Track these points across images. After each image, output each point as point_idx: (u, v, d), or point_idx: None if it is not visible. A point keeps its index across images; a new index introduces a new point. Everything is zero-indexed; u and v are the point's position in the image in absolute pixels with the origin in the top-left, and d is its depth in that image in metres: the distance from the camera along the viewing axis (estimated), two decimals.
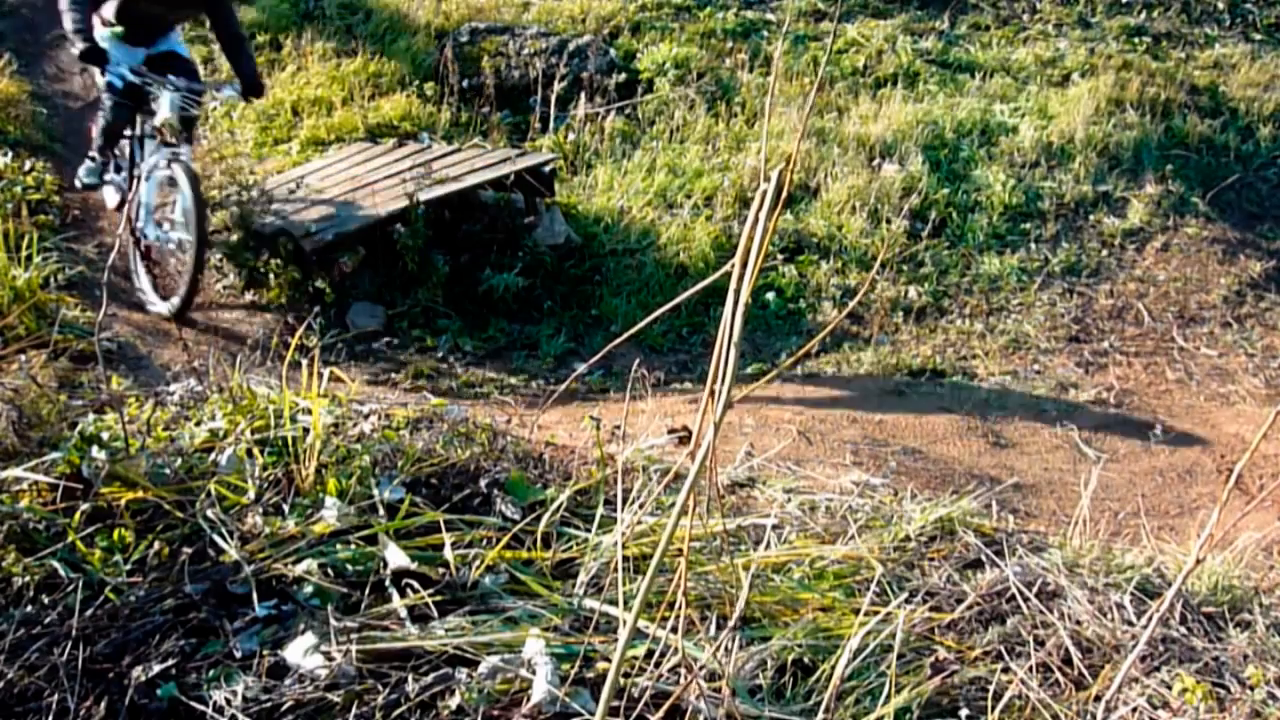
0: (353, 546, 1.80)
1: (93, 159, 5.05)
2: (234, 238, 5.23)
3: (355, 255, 5.07)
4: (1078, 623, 1.90)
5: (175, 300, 4.56)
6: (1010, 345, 5.08)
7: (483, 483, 2.11)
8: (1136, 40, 7.25)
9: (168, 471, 1.93)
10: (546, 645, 1.56)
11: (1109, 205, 5.99)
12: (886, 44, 7.12)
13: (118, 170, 5.07)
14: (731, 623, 1.35)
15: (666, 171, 6.06)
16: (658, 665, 1.54)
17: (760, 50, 7.08)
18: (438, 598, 1.68)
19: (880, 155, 6.19)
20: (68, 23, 4.50)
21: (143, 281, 4.79)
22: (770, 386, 4.31)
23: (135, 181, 4.88)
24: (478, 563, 1.79)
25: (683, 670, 1.54)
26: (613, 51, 7.05)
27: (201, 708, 1.44)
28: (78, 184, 5.08)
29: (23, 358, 2.95)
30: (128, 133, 4.95)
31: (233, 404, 2.17)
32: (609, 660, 1.55)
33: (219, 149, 6.48)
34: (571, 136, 6.39)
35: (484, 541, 1.87)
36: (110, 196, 5.24)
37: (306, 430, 2.02)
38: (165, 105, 4.63)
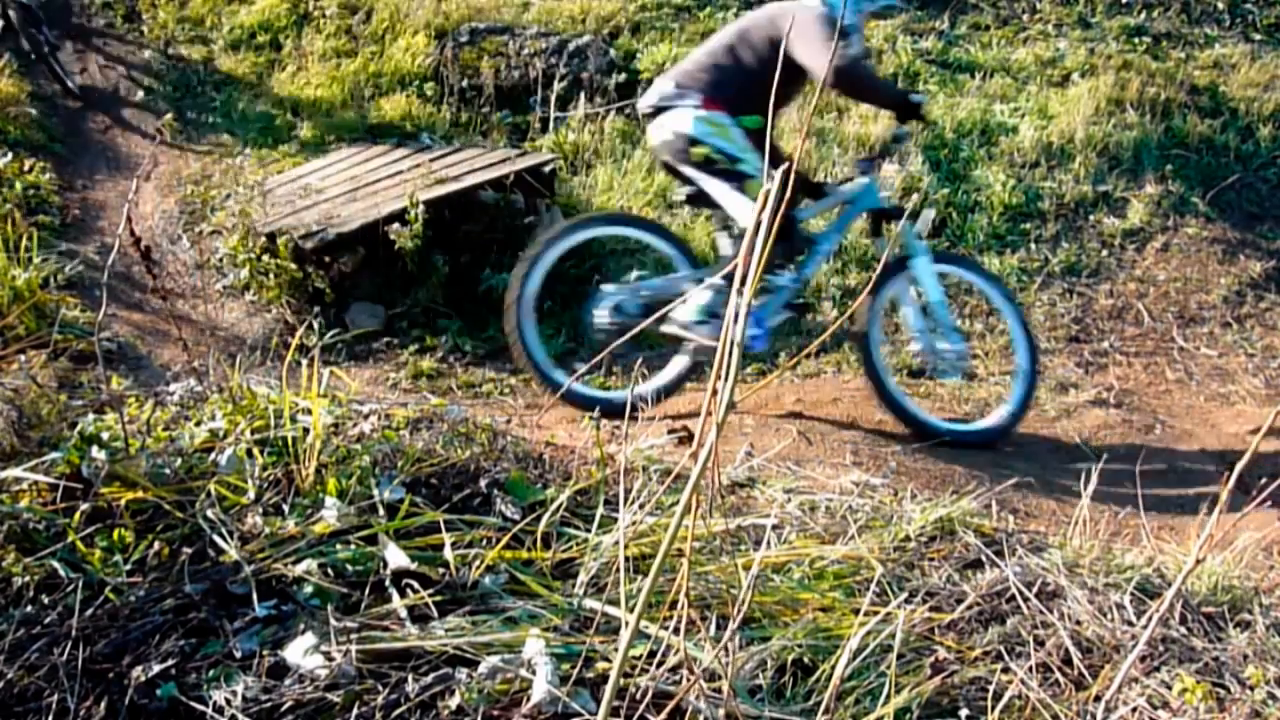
0: (353, 546, 1.80)
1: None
2: (234, 238, 5.23)
3: (355, 255, 5.07)
4: (1078, 623, 1.90)
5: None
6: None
7: (483, 483, 2.10)
8: (1136, 40, 7.25)
9: (168, 471, 1.93)
10: (546, 645, 1.56)
11: (1109, 205, 5.99)
12: (886, 44, 7.12)
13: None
14: (733, 623, 1.35)
15: None
16: (658, 665, 1.54)
17: None
18: (438, 598, 1.68)
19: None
20: (877, 90, 3.88)
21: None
22: (770, 386, 4.31)
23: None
24: (478, 563, 1.79)
25: (684, 670, 1.54)
26: (613, 51, 7.05)
27: (201, 708, 1.44)
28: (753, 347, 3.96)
29: (23, 358, 2.95)
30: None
31: (233, 404, 2.17)
32: (609, 660, 1.55)
33: (219, 148, 6.48)
34: (571, 136, 6.39)
35: (484, 541, 1.87)
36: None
37: (306, 430, 2.02)
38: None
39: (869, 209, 4.03)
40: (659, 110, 3.81)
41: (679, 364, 3.97)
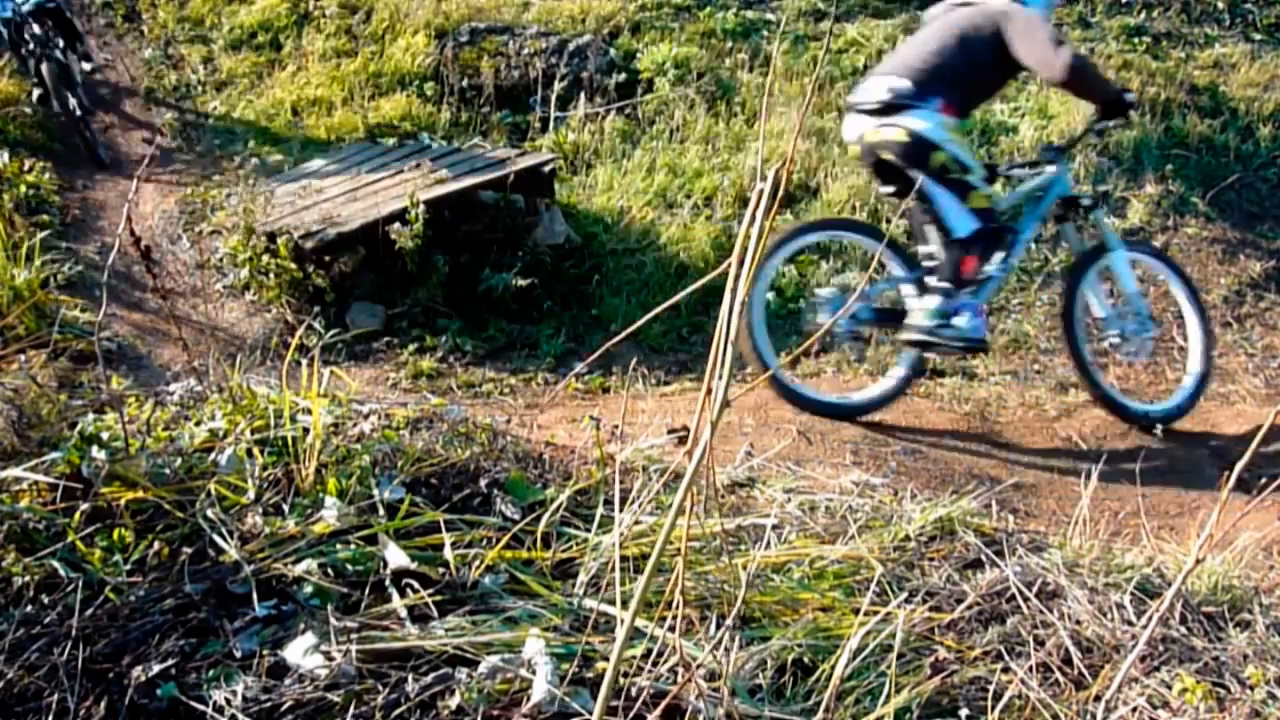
0: (353, 546, 1.80)
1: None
2: (234, 237, 5.23)
3: (355, 255, 5.07)
4: (1078, 623, 1.90)
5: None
6: (1010, 345, 5.08)
7: (483, 483, 2.11)
8: (1136, 40, 7.24)
9: (168, 471, 1.93)
10: (546, 645, 1.56)
11: (1109, 205, 5.99)
12: (887, 44, 7.12)
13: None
14: (729, 622, 1.35)
15: (666, 171, 6.06)
16: (656, 664, 1.54)
17: (760, 50, 7.08)
18: (438, 598, 1.68)
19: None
20: (1100, 86, 3.82)
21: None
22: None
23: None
24: (478, 563, 1.79)
25: (680, 669, 1.54)
26: (613, 51, 7.05)
27: (201, 708, 1.44)
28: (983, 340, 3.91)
29: (23, 358, 2.95)
30: None
31: (233, 404, 2.17)
32: (609, 660, 1.55)
33: (219, 148, 6.48)
34: (571, 136, 6.39)
35: (484, 541, 1.87)
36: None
37: (306, 430, 2.02)
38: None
39: (1061, 196, 4.10)
40: (890, 108, 3.71)
41: (898, 373, 4.04)
